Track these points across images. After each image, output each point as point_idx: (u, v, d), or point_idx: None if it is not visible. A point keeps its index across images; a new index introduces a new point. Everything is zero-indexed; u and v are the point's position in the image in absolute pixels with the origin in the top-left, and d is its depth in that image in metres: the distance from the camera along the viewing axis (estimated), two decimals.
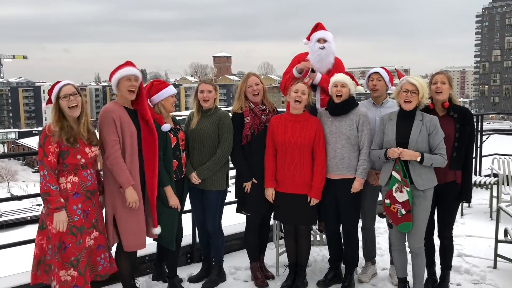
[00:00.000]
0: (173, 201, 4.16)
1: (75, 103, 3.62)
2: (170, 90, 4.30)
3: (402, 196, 3.94)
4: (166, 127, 4.15)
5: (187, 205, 4.61)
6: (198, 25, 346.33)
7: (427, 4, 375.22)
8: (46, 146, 3.54)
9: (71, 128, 3.62)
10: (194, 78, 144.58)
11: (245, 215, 4.65)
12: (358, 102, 4.47)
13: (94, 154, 3.75)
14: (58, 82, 3.72)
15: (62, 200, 3.56)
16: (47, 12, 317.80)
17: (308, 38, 4.91)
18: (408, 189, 3.90)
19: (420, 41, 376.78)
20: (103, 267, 3.87)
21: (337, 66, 4.84)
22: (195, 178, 4.41)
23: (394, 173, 3.96)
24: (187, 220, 4.88)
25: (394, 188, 3.97)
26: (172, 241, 4.22)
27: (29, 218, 36.11)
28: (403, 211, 3.95)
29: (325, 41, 4.76)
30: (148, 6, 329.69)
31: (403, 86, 3.97)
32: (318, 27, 4.88)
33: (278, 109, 4.77)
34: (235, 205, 4.69)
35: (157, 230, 4.07)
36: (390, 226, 4.17)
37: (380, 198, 4.47)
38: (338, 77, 4.31)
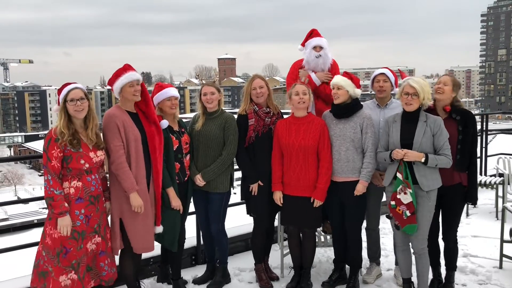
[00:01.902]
0: (175, 202, 4.17)
1: (82, 108, 3.62)
2: (162, 94, 4.30)
3: (406, 198, 3.94)
4: (163, 123, 4.16)
5: (191, 208, 4.62)
6: (198, 28, 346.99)
7: (431, 4, 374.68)
8: (50, 150, 3.54)
9: (76, 132, 3.63)
10: (198, 80, 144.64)
11: (252, 217, 4.65)
12: (362, 103, 4.47)
13: (100, 159, 3.74)
14: (67, 84, 3.70)
15: (66, 204, 3.56)
16: (47, 16, 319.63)
17: (303, 44, 4.92)
18: (411, 190, 3.90)
19: (425, 41, 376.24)
20: (107, 273, 3.86)
21: (334, 68, 4.87)
22: (199, 180, 4.43)
23: (399, 175, 3.96)
24: (191, 222, 4.90)
25: (398, 189, 3.97)
26: (174, 243, 4.24)
27: (35, 221, 36.21)
28: (408, 213, 3.95)
29: (321, 48, 4.78)
30: (148, 9, 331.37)
31: (404, 89, 3.97)
32: (313, 33, 4.87)
33: (283, 111, 4.77)
34: (239, 207, 4.69)
35: (159, 229, 4.08)
36: (397, 227, 4.15)
37: (384, 199, 4.46)
38: (334, 79, 4.34)
